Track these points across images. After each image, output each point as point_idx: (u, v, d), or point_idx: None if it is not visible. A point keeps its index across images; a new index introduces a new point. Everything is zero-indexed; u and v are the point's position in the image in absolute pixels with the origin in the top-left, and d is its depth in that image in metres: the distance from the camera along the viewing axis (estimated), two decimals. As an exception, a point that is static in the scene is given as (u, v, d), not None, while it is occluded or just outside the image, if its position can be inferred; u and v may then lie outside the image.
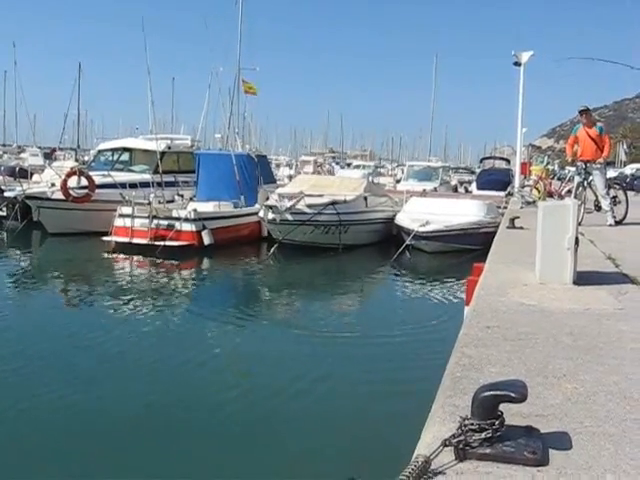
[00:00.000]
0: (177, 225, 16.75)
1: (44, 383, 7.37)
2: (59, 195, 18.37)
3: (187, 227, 16.79)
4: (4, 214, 20.37)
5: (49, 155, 44.33)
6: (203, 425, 6.35)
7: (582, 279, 5.24)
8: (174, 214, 17.01)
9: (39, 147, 47.36)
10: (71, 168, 21.05)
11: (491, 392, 2.04)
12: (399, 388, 7.28)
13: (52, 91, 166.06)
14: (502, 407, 2.05)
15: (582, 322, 4.03)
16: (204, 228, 16.86)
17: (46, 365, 8.02)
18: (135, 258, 16.13)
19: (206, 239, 16.74)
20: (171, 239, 16.59)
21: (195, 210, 17.06)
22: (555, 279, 5.14)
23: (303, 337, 9.68)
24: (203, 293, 13.73)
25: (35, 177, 22.71)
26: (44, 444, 5.87)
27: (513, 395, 2.03)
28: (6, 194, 20.35)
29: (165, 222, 16.88)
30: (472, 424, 2.02)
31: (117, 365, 8.17)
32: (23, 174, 21.27)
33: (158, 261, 15.60)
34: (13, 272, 15.03)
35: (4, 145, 55.73)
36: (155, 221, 16.83)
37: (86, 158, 33.91)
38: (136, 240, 16.72)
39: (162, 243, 16.36)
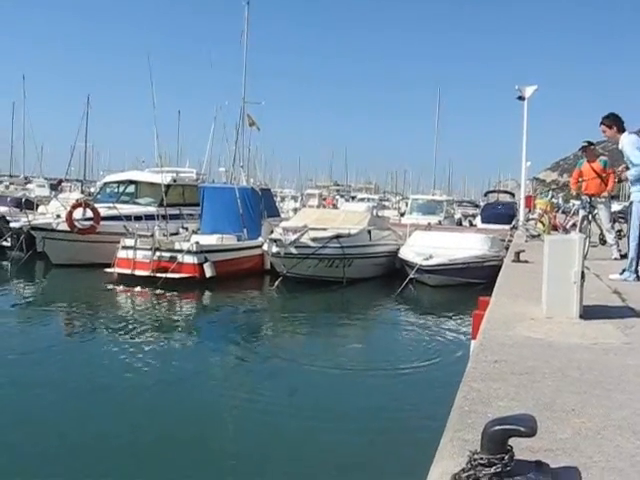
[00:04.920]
0: (179, 257, 16.73)
1: (43, 413, 7.34)
2: (64, 226, 18.45)
3: (189, 259, 16.77)
4: (9, 244, 20.44)
5: (55, 186, 44.65)
6: (200, 462, 6.26)
7: (589, 313, 5.21)
8: (176, 246, 17.02)
9: (46, 178, 47.81)
10: (77, 200, 21.23)
11: (501, 426, 2.01)
12: (406, 423, 7.21)
13: (59, 119, 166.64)
14: (511, 441, 2.02)
15: (589, 356, 3.99)
16: (206, 261, 16.83)
17: (45, 395, 7.95)
18: (137, 290, 16.11)
19: (208, 272, 16.71)
20: (173, 271, 16.56)
21: (197, 243, 17.08)
22: (562, 313, 5.11)
23: (307, 372, 9.60)
24: (203, 326, 13.66)
25: (41, 208, 22.85)
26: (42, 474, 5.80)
27: (523, 429, 1.99)
28: (11, 225, 20.47)
29: (167, 254, 16.87)
30: (481, 458, 1.98)
31: (116, 398, 8.10)
32: (29, 205, 21.42)
33: (160, 293, 15.56)
34: (17, 302, 15.02)
35: (11, 176, 56.07)
36: (157, 253, 16.82)
37: (92, 190, 34.10)
38: (138, 272, 16.69)
39: (164, 275, 16.33)
